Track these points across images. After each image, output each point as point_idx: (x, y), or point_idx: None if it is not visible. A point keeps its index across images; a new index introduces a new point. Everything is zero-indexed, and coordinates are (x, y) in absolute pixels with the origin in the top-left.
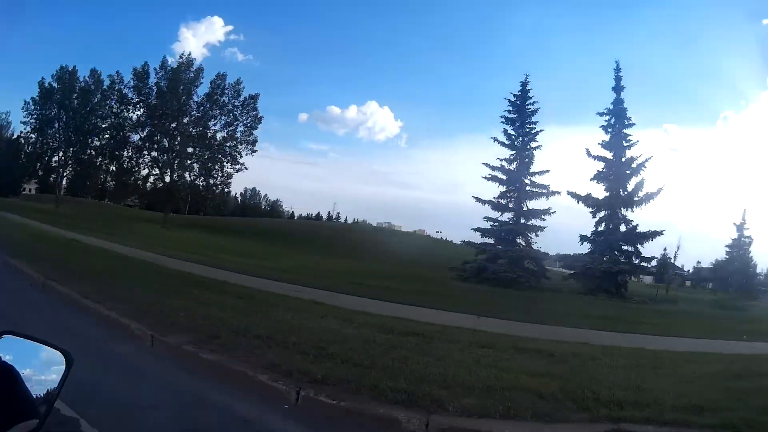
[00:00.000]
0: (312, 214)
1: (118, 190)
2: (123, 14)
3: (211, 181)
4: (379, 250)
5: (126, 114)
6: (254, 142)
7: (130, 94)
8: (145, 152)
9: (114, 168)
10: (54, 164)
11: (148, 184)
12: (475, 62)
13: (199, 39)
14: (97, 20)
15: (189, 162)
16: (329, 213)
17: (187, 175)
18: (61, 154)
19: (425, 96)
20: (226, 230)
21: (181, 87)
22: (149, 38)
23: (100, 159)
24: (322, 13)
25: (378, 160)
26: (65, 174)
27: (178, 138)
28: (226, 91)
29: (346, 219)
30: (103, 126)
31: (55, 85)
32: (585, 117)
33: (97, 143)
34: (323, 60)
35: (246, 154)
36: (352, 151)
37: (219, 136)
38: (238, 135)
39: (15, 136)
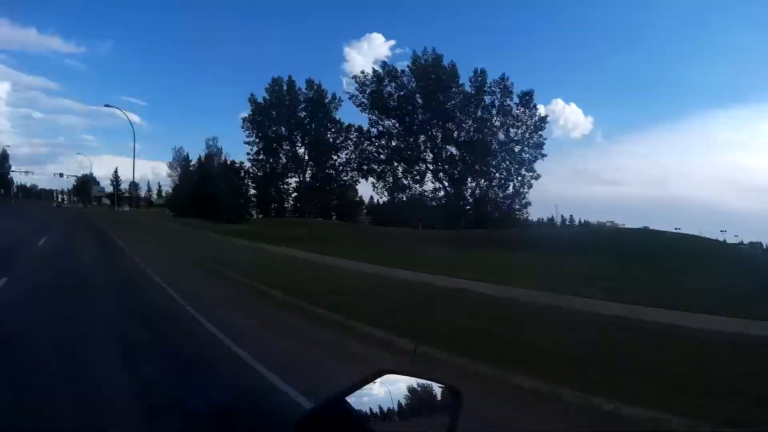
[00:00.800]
0: (542, 219)
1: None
2: (285, 43)
3: (508, 192)
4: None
5: (379, 124)
6: (541, 145)
7: (390, 102)
8: (422, 165)
9: (382, 184)
10: (288, 185)
11: (425, 199)
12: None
13: (365, 57)
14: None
15: (483, 172)
16: (561, 216)
17: (475, 186)
18: (300, 173)
19: (610, 89)
20: (514, 246)
21: (450, 89)
22: (316, 63)
23: (348, 174)
24: (468, 17)
25: (577, 158)
26: (307, 195)
27: (453, 146)
28: (493, 89)
29: (579, 221)
30: (340, 139)
31: (267, 97)
32: None
33: (335, 158)
34: (492, 63)
35: (535, 160)
36: (549, 150)
37: (500, 139)
38: (519, 137)
39: (230, 161)
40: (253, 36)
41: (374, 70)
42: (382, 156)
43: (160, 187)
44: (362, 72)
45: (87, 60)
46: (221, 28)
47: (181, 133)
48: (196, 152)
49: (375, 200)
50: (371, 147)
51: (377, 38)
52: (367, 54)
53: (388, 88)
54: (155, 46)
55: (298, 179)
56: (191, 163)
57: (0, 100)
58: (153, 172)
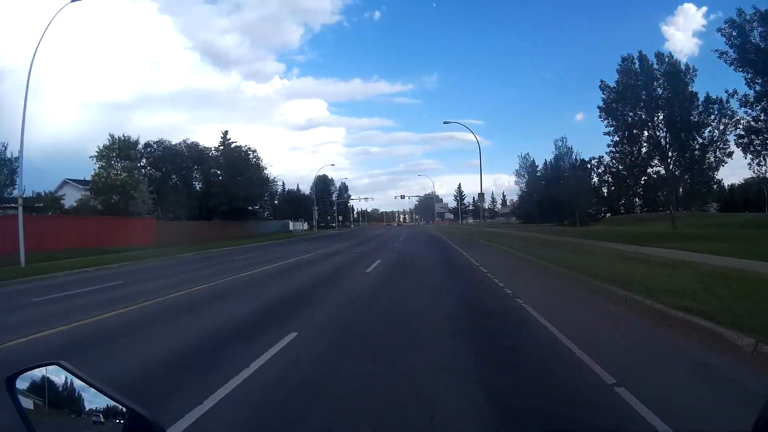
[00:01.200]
0: None
1: None
2: (604, 37)
3: None
4: None
5: (755, 83)
6: None
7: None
8: None
9: (758, 160)
10: (649, 176)
11: None
12: None
13: (684, 32)
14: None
15: None
16: None
17: None
18: (665, 160)
19: None
20: None
21: None
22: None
23: (713, 155)
24: None
25: None
26: (672, 184)
27: None
28: None
29: None
30: (703, 115)
31: (620, 79)
32: None
33: (699, 138)
34: None
35: None
36: None
37: None
38: None
39: (580, 160)
40: (570, 36)
41: (732, 20)
42: (759, 124)
43: (504, 196)
44: (726, 23)
45: (416, 95)
46: (537, 34)
47: (523, 142)
48: (540, 158)
49: (722, 184)
50: (747, 115)
51: (689, 8)
52: (685, 28)
53: (752, 38)
54: (480, 67)
55: (662, 167)
56: (537, 169)
57: (337, 144)
58: (495, 183)
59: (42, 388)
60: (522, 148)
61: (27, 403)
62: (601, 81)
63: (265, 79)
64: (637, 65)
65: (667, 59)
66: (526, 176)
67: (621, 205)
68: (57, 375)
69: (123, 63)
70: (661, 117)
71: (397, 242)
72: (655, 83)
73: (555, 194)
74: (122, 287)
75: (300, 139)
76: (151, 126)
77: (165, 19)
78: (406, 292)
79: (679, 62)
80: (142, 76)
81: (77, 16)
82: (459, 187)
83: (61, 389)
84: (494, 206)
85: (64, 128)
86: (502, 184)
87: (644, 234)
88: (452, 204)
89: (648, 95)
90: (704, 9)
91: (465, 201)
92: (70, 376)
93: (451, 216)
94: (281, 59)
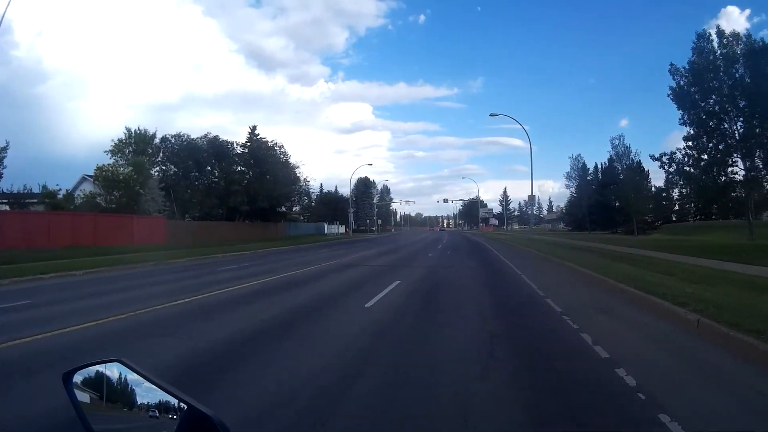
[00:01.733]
0: None
1: None
2: (646, 43)
3: None
4: None
5: None
6: None
7: None
8: None
9: None
10: (730, 176)
11: None
12: None
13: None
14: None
15: None
16: None
17: None
18: (747, 157)
19: None
20: None
21: None
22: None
23: None
24: None
25: None
26: (757, 186)
27: None
28: None
29: None
30: None
31: (694, 60)
32: None
33: None
34: None
35: None
36: None
37: None
38: None
39: (637, 161)
40: (613, 41)
41: None
42: None
43: (550, 202)
44: None
45: (461, 99)
46: (580, 39)
47: (568, 148)
48: (592, 161)
49: None
50: None
51: (733, 11)
52: (728, 31)
53: None
54: (525, 72)
55: (740, 167)
56: (589, 172)
57: (382, 147)
58: (540, 190)
59: (99, 383)
60: (567, 154)
61: (83, 396)
62: (671, 64)
63: (310, 82)
64: (715, 42)
65: (744, 38)
66: (577, 179)
67: (673, 212)
68: (113, 371)
69: (168, 65)
70: (742, 105)
71: (433, 251)
72: (735, 65)
73: (609, 199)
74: (23, 310)
75: (345, 143)
76: (196, 127)
77: (210, 22)
78: (412, 374)
79: (759, 40)
80: (188, 78)
81: (122, 18)
82: (504, 191)
83: (116, 384)
84: (540, 212)
85: (108, 129)
86: (546, 190)
87: (726, 246)
88: (497, 209)
89: (729, 78)
90: (747, 12)
91: (510, 206)
92: (125, 372)
93: (496, 221)
94: (326, 62)
